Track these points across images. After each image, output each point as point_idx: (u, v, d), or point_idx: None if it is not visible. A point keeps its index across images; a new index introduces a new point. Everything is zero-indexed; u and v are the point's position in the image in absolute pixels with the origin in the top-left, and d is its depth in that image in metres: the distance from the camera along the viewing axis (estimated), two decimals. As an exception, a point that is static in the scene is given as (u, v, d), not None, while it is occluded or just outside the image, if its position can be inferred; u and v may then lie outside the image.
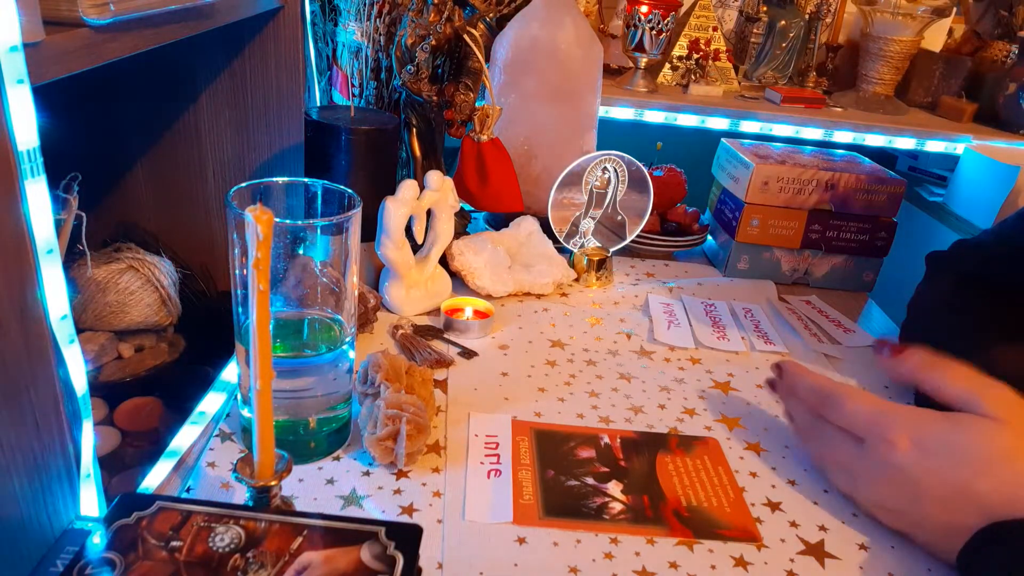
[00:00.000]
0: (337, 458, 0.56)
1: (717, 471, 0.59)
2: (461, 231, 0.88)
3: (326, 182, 0.54)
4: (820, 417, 0.57)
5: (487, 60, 0.90)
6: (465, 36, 0.79)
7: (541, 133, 0.92)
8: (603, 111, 1.44)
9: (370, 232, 0.73)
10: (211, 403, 0.62)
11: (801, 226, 0.93)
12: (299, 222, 0.52)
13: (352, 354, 0.56)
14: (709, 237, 1.04)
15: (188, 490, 0.52)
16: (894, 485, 0.51)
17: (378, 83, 0.92)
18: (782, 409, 0.64)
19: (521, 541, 0.50)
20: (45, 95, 0.35)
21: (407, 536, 0.36)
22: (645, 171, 0.88)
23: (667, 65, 1.70)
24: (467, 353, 0.72)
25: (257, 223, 0.35)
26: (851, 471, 0.55)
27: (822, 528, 0.54)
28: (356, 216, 0.51)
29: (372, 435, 0.54)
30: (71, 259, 0.64)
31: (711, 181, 1.05)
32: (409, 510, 0.52)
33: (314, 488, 0.53)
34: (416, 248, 0.79)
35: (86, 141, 0.75)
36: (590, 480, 0.57)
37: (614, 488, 0.56)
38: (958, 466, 0.49)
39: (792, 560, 0.51)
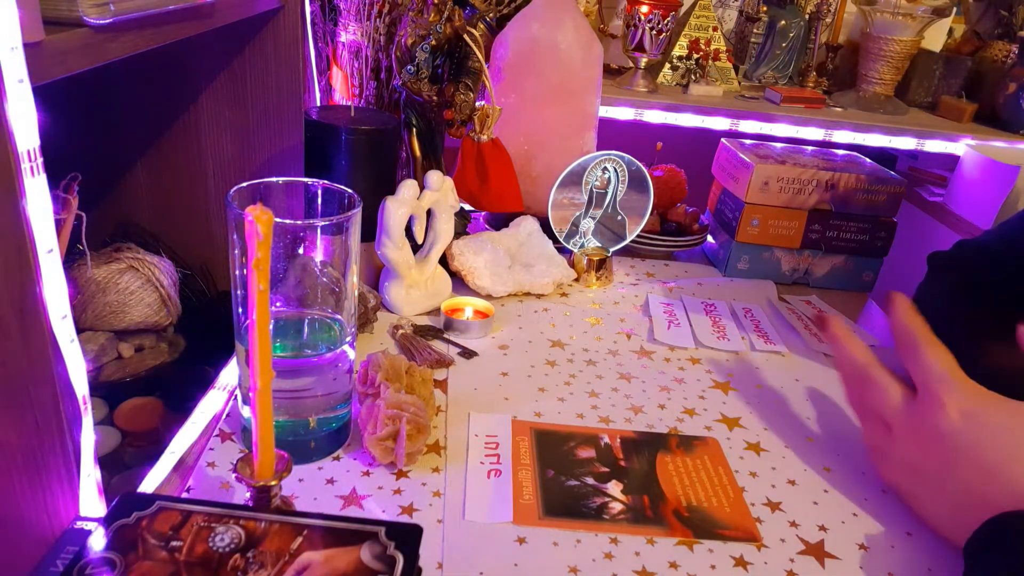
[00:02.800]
0: (337, 458, 0.56)
1: (717, 471, 0.59)
2: (461, 231, 0.88)
3: (326, 182, 0.54)
4: (875, 360, 0.56)
5: (487, 60, 0.90)
6: (465, 36, 0.79)
7: (541, 133, 0.92)
8: (603, 111, 1.44)
9: (370, 232, 0.73)
10: (211, 403, 0.62)
11: (801, 226, 0.93)
12: (299, 222, 0.52)
13: (352, 354, 0.56)
14: (709, 237, 1.04)
15: (188, 490, 0.52)
16: (931, 446, 0.51)
17: (378, 83, 0.92)
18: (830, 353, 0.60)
19: (521, 541, 0.50)
20: (45, 95, 0.35)
21: (407, 536, 0.36)
22: (645, 171, 0.88)
23: (667, 65, 1.70)
24: (467, 353, 0.72)
25: (257, 223, 0.35)
26: (890, 423, 0.54)
27: (822, 528, 0.54)
28: (356, 216, 0.51)
29: (372, 435, 0.54)
30: (71, 259, 0.64)
31: (711, 181, 1.05)
32: (409, 510, 0.52)
33: (314, 488, 0.53)
34: (416, 248, 0.79)
35: (86, 141, 0.75)
36: (590, 480, 0.57)
37: (614, 488, 0.56)
38: (999, 447, 0.49)
39: (792, 560, 0.51)
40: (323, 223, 0.51)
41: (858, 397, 0.58)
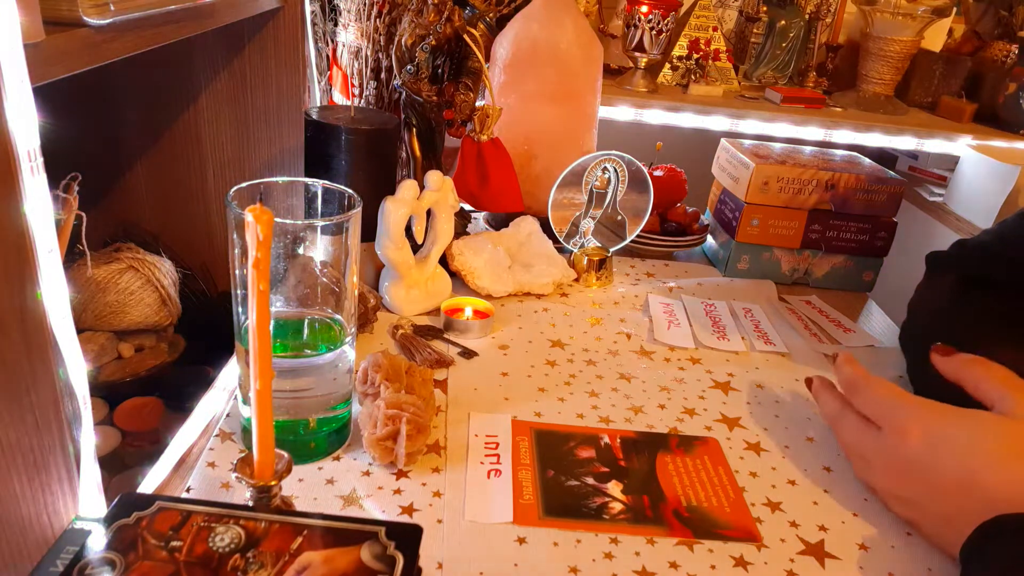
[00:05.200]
0: (337, 458, 0.56)
1: (717, 471, 0.59)
2: (461, 231, 0.88)
3: (326, 182, 0.54)
4: (847, 404, 0.59)
5: (487, 60, 0.90)
6: (465, 36, 0.79)
7: (541, 133, 0.92)
8: (603, 111, 1.44)
9: (370, 232, 0.73)
10: (211, 403, 0.62)
11: (801, 226, 0.93)
12: (299, 222, 0.52)
13: (352, 354, 0.56)
14: (709, 237, 1.04)
15: (188, 490, 0.52)
16: (904, 475, 0.52)
17: (378, 83, 0.92)
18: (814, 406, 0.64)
19: (521, 541, 0.50)
20: (45, 95, 0.35)
21: (407, 536, 0.36)
22: (645, 171, 0.88)
23: (667, 65, 1.70)
24: (467, 353, 0.72)
25: (257, 223, 0.35)
26: (868, 459, 0.56)
27: (822, 528, 0.54)
28: (356, 216, 0.51)
29: (372, 435, 0.54)
30: (71, 259, 0.64)
31: (711, 181, 1.05)
32: (409, 510, 0.52)
33: (314, 488, 0.53)
34: (416, 248, 0.79)
35: (86, 141, 0.75)
36: (590, 480, 0.57)
37: (614, 488, 0.56)
38: (966, 458, 0.49)
39: (792, 560, 0.51)
40: (323, 223, 0.51)
41: (842, 441, 0.60)
